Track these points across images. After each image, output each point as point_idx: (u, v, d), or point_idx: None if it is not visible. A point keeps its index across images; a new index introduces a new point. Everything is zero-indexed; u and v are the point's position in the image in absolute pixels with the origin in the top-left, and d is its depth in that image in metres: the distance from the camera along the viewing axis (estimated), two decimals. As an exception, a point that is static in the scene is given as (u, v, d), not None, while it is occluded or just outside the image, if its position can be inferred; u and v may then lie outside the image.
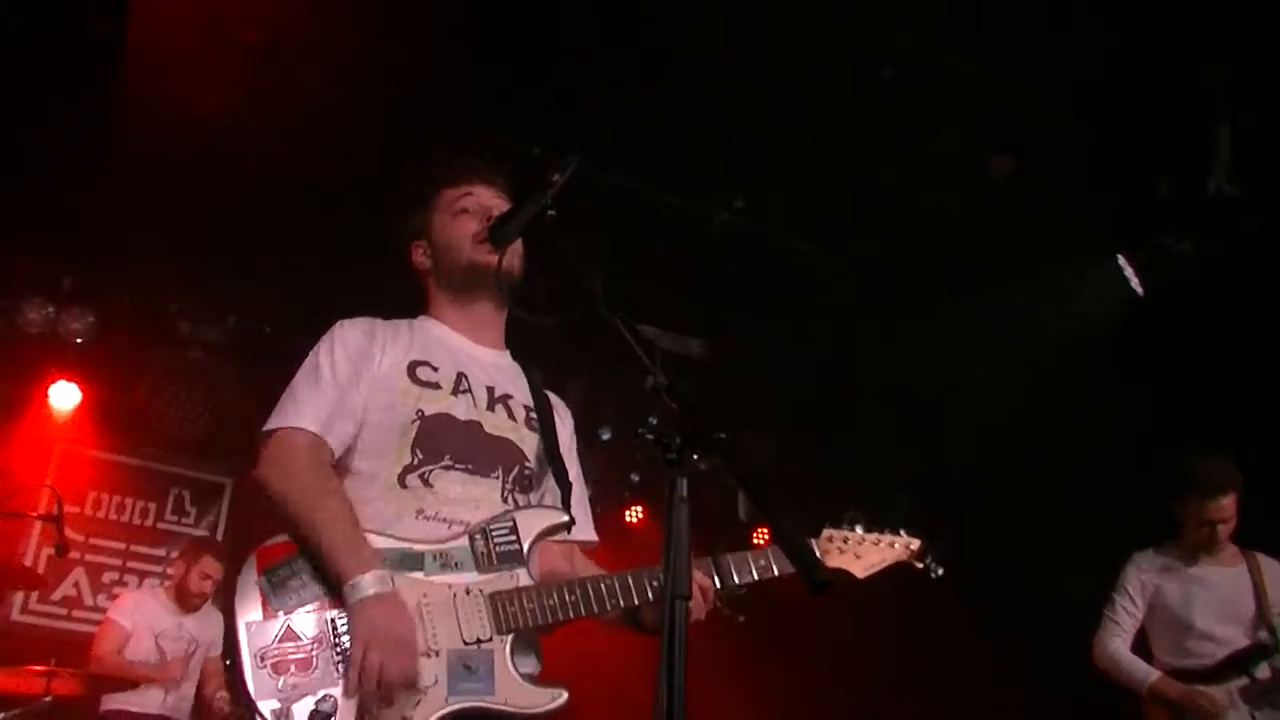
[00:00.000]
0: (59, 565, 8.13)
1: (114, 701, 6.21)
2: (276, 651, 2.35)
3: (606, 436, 8.86)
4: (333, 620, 2.41)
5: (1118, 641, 5.14)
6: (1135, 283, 6.59)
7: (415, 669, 2.36)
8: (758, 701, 8.80)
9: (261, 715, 2.28)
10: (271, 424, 2.64)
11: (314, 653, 2.37)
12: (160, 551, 8.36)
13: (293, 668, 2.34)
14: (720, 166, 6.43)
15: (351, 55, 5.68)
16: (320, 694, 2.32)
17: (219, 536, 8.51)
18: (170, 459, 8.70)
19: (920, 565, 2.98)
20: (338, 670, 2.36)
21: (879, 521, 2.95)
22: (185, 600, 6.55)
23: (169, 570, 6.80)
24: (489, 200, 2.89)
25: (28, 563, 7.95)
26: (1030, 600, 7.32)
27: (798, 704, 8.56)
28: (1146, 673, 5.01)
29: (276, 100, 5.83)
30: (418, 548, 2.53)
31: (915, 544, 2.97)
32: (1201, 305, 6.58)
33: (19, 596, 8.13)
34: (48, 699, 5.48)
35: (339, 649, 2.38)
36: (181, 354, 8.06)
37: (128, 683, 6.10)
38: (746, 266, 7.06)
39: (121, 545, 8.54)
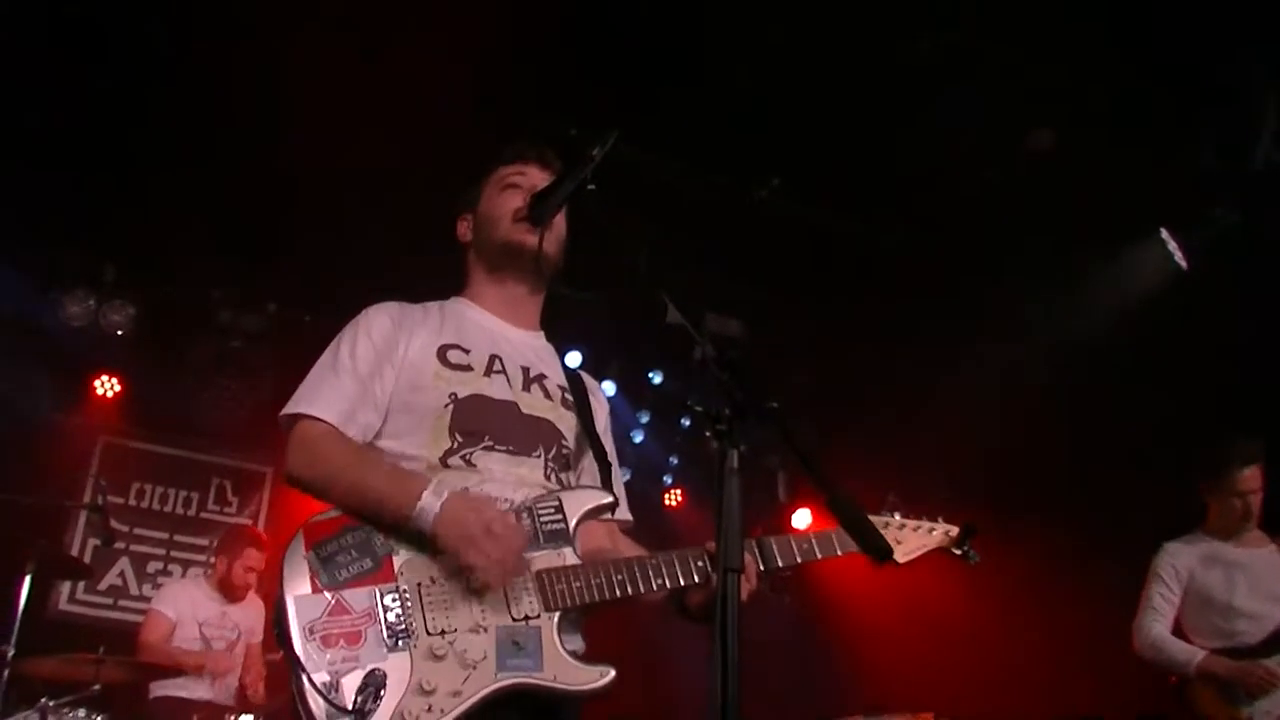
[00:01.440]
0: (105, 555, 8.25)
1: (162, 688, 6.28)
2: (325, 625, 2.35)
3: (645, 419, 8.85)
4: (381, 594, 2.41)
5: (1158, 627, 5.12)
6: (1180, 257, 6.49)
7: (523, 538, 2.44)
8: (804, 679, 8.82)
9: (314, 686, 2.27)
10: (289, 409, 2.64)
11: (363, 627, 2.36)
12: (203, 541, 8.44)
13: (342, 641, 2.34)
14: (761, 147, 6.37)
15: (395, 41, 5.66)
16: (369, 667, 2.31)
17: (260, 525, 8.57)
18: (212, 449, 8.80)
19: (958, 552, 2.99)
20: (386, 644, 2.35)
21: (917, 508, 2.97)
22: (230, 592, 6.62)
23: (212, 561, 6.84)
24: (539, 181, 2.86)
25: (74, 553, 8.05)
26: (1073, 584, 7.26)
27: (841, 683, 8.56)
28: (1192, 652, 4.98)
29: (318, 87, 5.82)
30: None
31: (954, 531, 2.98)
32: (1251, 278, 6.47)
33: (66, 586, 8.25)
34: (97, 687, 5.51)
35: (387, 623, 2.38)
36: (222, 343, 8.10)
37: (175, 670, 6.16)
38: (788, 246, 7.00)
39: (165, 535, 8.64)
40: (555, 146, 2.90)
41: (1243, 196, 6.27)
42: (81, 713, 5.38)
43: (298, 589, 2.39)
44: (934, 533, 2.96)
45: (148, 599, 7.21)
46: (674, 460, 9.28)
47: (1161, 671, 5.09)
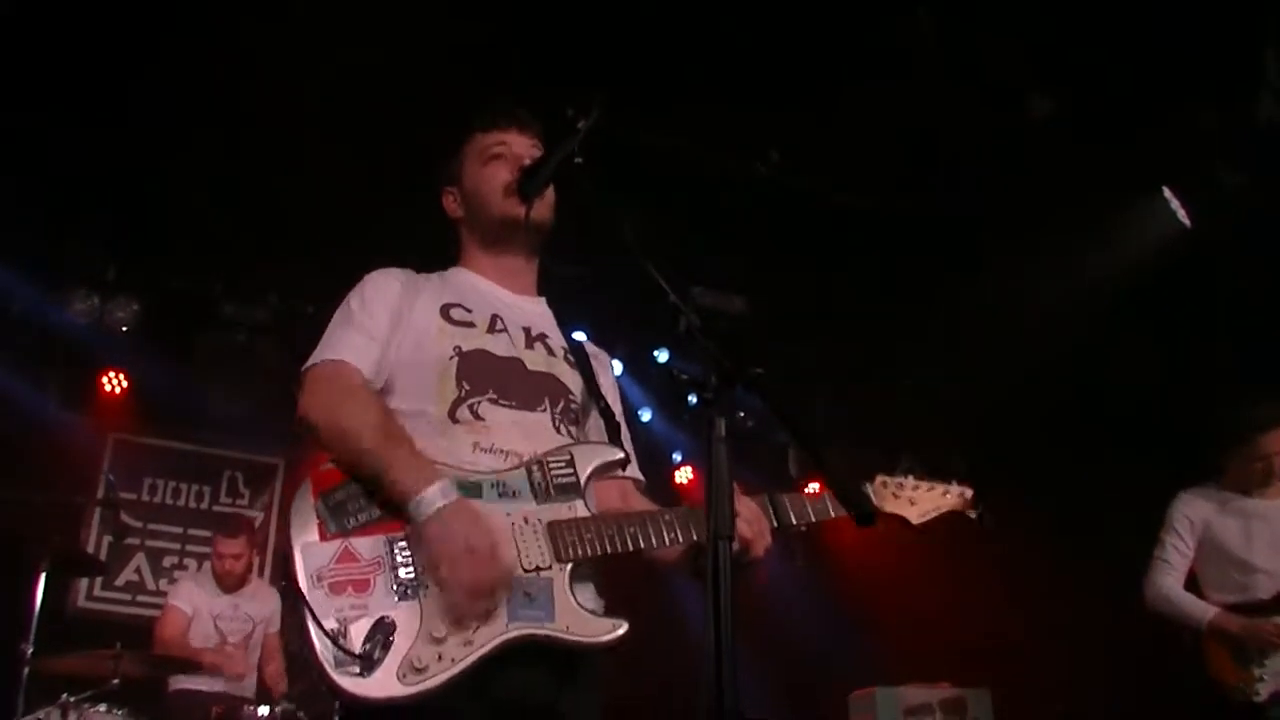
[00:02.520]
0: (121, 551, 8.32)
1: (180, 682, 6.34)
2: (333, 572, 2.31)
3: (647, 418, 8.86)
4: (391, 541, 2.38)
5: (1170, 580, 5.07)
6: (1183, 215, 6.45)
7: (508, 570, 2.35)
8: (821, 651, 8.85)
9: (322, 632, 2.24)
10: (312, 361, 2.60)
11: (372, 574, 2.33)
12: (218, 534, 8.49)
13: (350, 589, 2.30)
14: (759, 120, 6.35)
15: (394, 30, 5.65)
16: (378, 615, 2.28)
17: (273, 516, 8.62)
18: (222, 442, 8.84)
19: (973, 514, 2.95)
20: (395, 592, 2.32)
21: (932, 470, 2.92)
22: (222, 582, 6.68)
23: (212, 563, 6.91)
24: (522, 148, 2.84)
25: (90, 549, 8.09)
26: (1081, 542, 7.25)
27: (858, 654, 8.58)
28: (1204, 609, 4.94)
29: (316, 77, 5.81)
30: (474, 476, 2.49)
31: (968, 493, 2.94)
32: (1254, 236, 6.43)
33: (84, 583, 8.30)
34: (116, 682, 5.55)
35: (397, 571, 2.35)
36: (227, 337, 8.12)
37: (194, 665, 6.20)
38: (787, 220, 6.98)
39: (179, 530, 8.69)
40: (541, 115, 2.87)
41: (1246, 155, 6.23)
42: (102, 708, 5.42)
43: (305, 537, 2.36)
44: (948, 495, 2.93)
45: (164, 594, 7.26)
46: (683, 438, 9.28)
47: (1172, 627, 5.05)
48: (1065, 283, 6.89)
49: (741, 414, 8.73)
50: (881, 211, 6.89)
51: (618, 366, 8.35)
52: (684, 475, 9.41)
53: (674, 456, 9.41)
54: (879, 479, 2.88)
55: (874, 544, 9.02)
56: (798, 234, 7.16)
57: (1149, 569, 5.15)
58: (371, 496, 2.41)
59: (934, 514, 2.89)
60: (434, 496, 2.35)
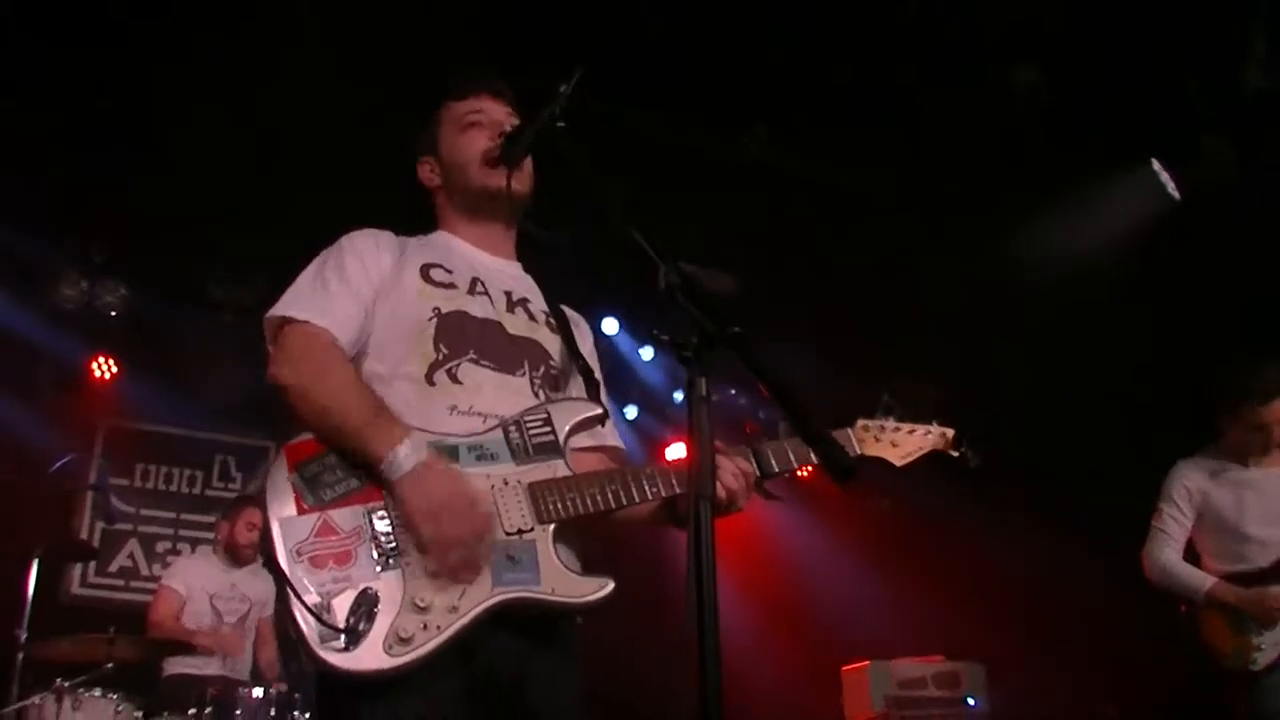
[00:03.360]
0: (114, 538, 8.32)
1: (175, 665, 6.34)
2: (313, 546, 2.29)
3: (650, 356, 8.85)
4: (370, 511, 2.35)
5: (1169, 551, 5.07)
6: (1172, 187, 6.46)
7: (488, 523, 2.34)
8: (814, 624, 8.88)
9: (304, 608, 2.22)
10: (283, 310, 2.56)
11: (352, 546, 2.30)
12: (210, 518, 8.39)
13: (331, 562, 2.28)
14: (747, 95, 6.33)
15: (380, 11, 5.63)
16: (361, 587, 2.26)
17: (267, 499, 8.61)
18: (213, 426, 8.84)
19: (956, 453, 2.92)
20: (377, 562, 2.30)
21: (914, 411, 2.89)
22: (236, 554, 6.64)
23: (217, 534, 6.87)
24: (499, 115, 2.82)
25: (83, 536, 8.10)
26: (1074, 514, 7.28)
27: (850, 628, 8.61)
28: (1202, 579, 4.94)
29: (301, 58, 5.79)
30: (451, 440, 2.47)
31: (950, 432, 2.91)
32: (1242, 208, 6.44)
33: (78, 570, 8.32)
34: (109, 665, 5.56)
35: (378, 540, 2.32)
36: (215, 319, 8.09)
37: (187, 647, 6.20)
38: (776, 196, 6.97)
39: (172, 514, 8.71)
40: (516, 83, 2.86)
41: (1233, 126, 6.22)
42: (97, 692, 5.43)
43: (283, 511, 2.32)
44: (929, 435, 2.89)
45: (158, 579, 7.25)
46: (678, 396, 9.27)
47: (1173, 598, 5.05)
48: (1054, 254, 6.89)
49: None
50: (870, 186, 6.87)
51: (613, 325, 8.39)
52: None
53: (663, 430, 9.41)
54: (860, 422, 2.86)
55: (864, 520, 9.06)
56: (786, 210, 7.15)
57: (1148, 540, 5.15)
58: (348, 467, 2.39)
59: (916, 455, 2.87)
60: (405, 456, 2.33)
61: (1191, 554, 5.13)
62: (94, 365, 8.23)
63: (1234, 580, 4.88)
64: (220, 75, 5.96)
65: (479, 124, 2.83)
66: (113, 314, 7.88)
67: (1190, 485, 5.11)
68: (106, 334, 8.10)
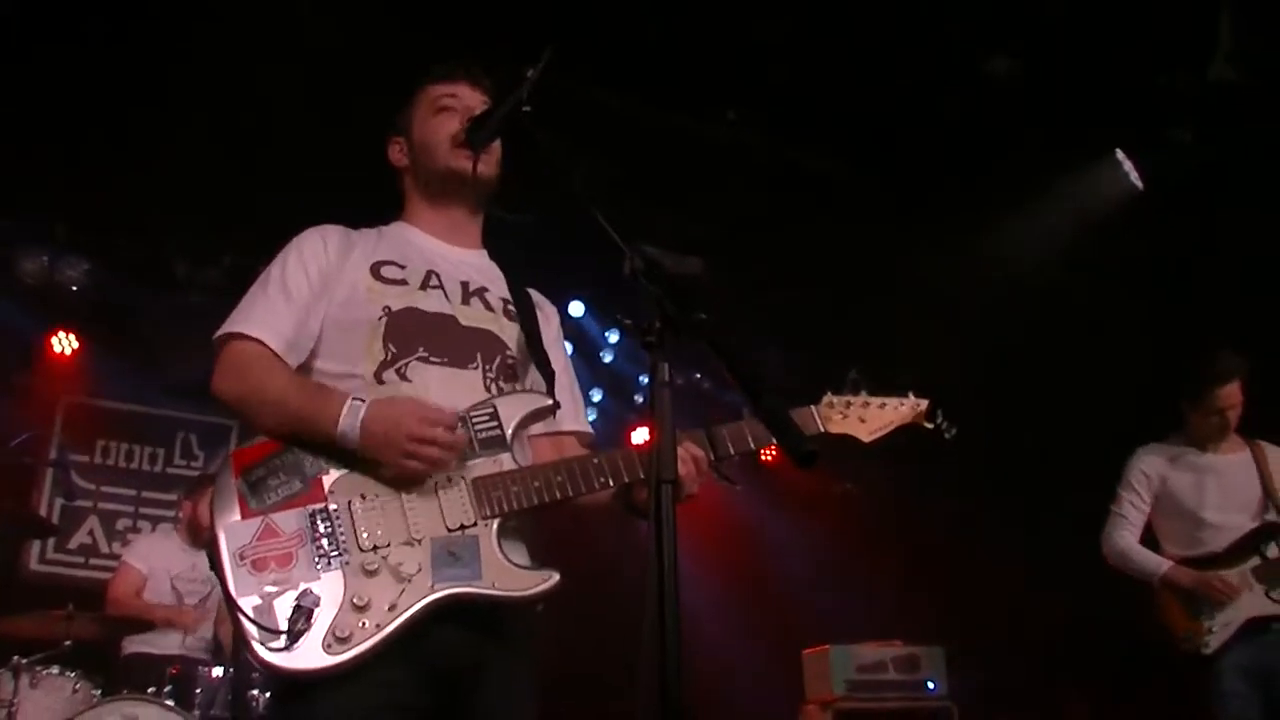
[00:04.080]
0: (74, 514, 8.24)
1: (135, 644, 6.28)
2: (255, 549, 2.32)
3: (609, 359, 8.87)
4: (312, 514, 2.38)
5: (1126, 535, 5.16)
6: (1135, 177, 6.51)
7: (447, 415, 2.42)
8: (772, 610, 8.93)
9: (243, 613, 2.25)
10: (224, 329, 2.59)
11: (294, 548, 2.34)
12: (171, 496, 8.37)
13: (273, 564, 2.31)
14: (718, 79, 6.33)
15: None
16: (301, 588, 2.30)
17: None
18: (175, 403, 8.73)
19: (930, 426, 2.85)
20: (319, 565, 2.33)
21: (884, 384, 2.83)
22: (198, 535, 6.55)
23: (179, 513, 6.81)
24: (473, 101, 2.81)
25: (42, 512, 8.02)
26: (1035, 499, 7.35)
27: (810, 613, 8.67)
28: (1158, 563, 5.04)
29: (268, 33, 5.73)
30: None
31: (923, 404, 2.85)
32: (1205, 197, 6.50)
33: (36, 546, 8.23)
34: (68, 643, 5.52)
35: (319, 542, 2.35)
36: (180, 297, 8.01)
37: (146, 625, 6.16)
38: (746, 181, 6.98)
39: (133, 492, 8.62)
40: (495, 73, 2.85)
41: (1197, 116, 6.28)
42: (55, 670, 5.39)
43: (228, 517, 2.36)
44: (902, 408, 2.83)
45: (118, 556, 7.19)
46: (644, 380, 9.26)
47: (1131, 579, 5.14)
48: (1021, 242, 6.93)
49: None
50: (840, 171, 6.89)
51: (579, 308, 8.36)
52: (641, 436, 9.43)
53: (636, 399, 9.39)
54: (826, 397, 2.81)
55: (825, 504, 9.12)
56: (755, 195, 7.16)
57: (1106, 524, 5.23)
58: (291, 470, 2.42)
59: (885, 430, 2.81)
60: (349, 419, 2.39)
61: (1150, 539, 5.21)
62: (54, 341, 8.13)
63: (1190, 564, 4.98)
64: (189, 54, 5.89)
65: (451, 108, 2.82)
66: (74, 289, 7.78)
67: (1149, 471, 5.20)
68: (68, 309, 8.00)
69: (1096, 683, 7.30)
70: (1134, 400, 5.39)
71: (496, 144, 2.78)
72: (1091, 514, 5.32)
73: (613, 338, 8.78)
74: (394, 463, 2.38)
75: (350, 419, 2.39)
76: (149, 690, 5.54)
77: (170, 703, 5.43)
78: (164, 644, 6.25)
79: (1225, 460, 5.14)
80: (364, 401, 2.41)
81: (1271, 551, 4.93)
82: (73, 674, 5.40)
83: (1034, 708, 7.76)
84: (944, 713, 7.38)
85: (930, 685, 7.50)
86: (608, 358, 8.92)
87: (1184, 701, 5.00)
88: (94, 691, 5.41)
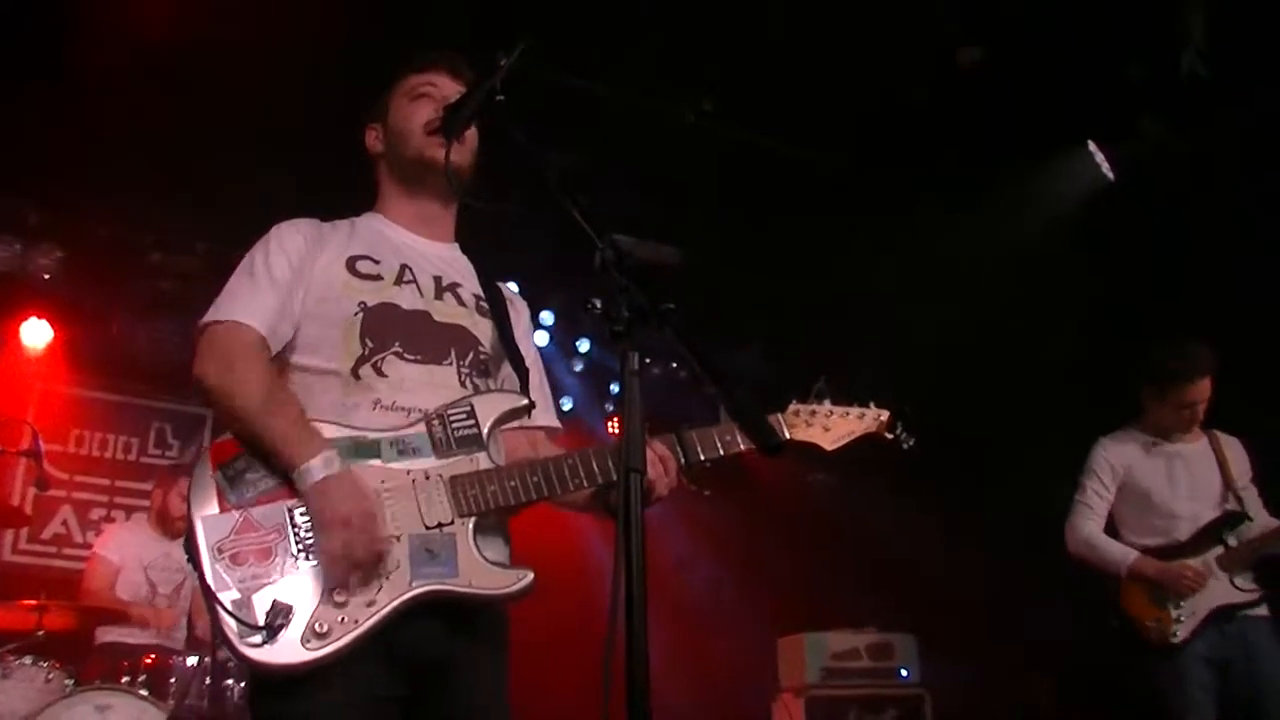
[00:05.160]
0: (47, 504, 8.17)
1: (108, 634, 6.24)
2: (234, 543, 2.33)
3: (585, 349, 8.89)
4: (291, 510, 2.39)
5: (1091, 524, 5.17)
6: (1106, 169, 6.55)
7: (382, 542, 2.35)
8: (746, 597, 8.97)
9: (221, 606, 2.26)
10: (209, 317, 2.58)
11: (273, 542, 2.34)
12: (146, 486, 8.27)
13: (251, 559, 2.32)
14: (690, 67, 6.33)
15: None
16: (280, 582, 2.31)
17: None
18: (150, 393, 8.68)
19: (890, 436, 2.94)
20: (297, 560, 2.34)
21: (847, 394, 2.89)
22: (168, 525, 6.53)
23: (151, 504, 6.78)
24: (451, 91, 2.81)
25: (15, 502, 7.96)
26: (1005, 490, 7.40)
27: (784, 600, 8.70)
28: (1124, 553, 5.05)
29: (241, 20, 5.70)
30: (372, 435, 2.49)
31: (885, 415, 2.93)
32: (1176, 190, 6.54)
33: (9, 536, 8.16)
34: (40, 633, 5.51)
35: (298, 537, 2.36)
36: (154, 285, 7.96)
37: (119, 615, 6.14)
38: (720, 169, 6.98)
39: (107, 481, 8.55)
40: (469, 59, 2.85)
41: (1169, 109, 6.32)
42: (28, 660, 5.38)
43: (205, 509, 2.36)
44: (864, 418, 2.91)
45: (91, 546, 7.15)
46: (615, 388, 9.30)
47: (1095, 571, 5.15)
48: (991, 232, 6.97)
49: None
50: (811, 161, 6.91)
51: (549, 317, 8.36)
52: (615, 426, 9.44)
53: (607, 407, 9.43)
54: (792, 406, 2.87)
55: (796, 491, 9.15)
56: (729, 184, 7.17)
57: (1070, 513, 5.24)
58: (269, 465, 2.42)
59: (848, 439, 2.87)
60: (316, 468, 2.36)
61: (1111, 528, 5.22)
62: (27, 329, 8.06)
63: (1153, 553, 5.00)
64: (163, 41, 5.85)
65: (429, 96, 2.84)
66: (47, 278, 7.72)
67: (1114, 460, 5.21)
68: (41, 297, 7.93)
69: (1068, 672, 7.36)
70: (1104, 392, 5.41)
71: (472, 134, 2.80)
72: (1062, 503, 5.34)
73: (583, 347, 8.85)
74: (323, 528, 2.34)
75: (320, 469, 2.36)
76: (123, 680, 5.53)
77: (144, 693, 5.43)
78: (138, 634, 6.22)
79: (1189, 450, 5.16)
80: (339, 466, 2.39)
81: (1234, 539, 4.97)
82: (45, 664, 5.38)
83: (1004, 694, 7.83)
84: (916, 700, 7.45)
85: (903, 672, 7.58)
86: (578, 367, 8.95)
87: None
88: (67, 681, 5.39)
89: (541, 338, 8.29)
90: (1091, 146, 6.56)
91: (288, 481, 2.40)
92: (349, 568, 2.32)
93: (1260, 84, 5.95)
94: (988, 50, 6.08)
